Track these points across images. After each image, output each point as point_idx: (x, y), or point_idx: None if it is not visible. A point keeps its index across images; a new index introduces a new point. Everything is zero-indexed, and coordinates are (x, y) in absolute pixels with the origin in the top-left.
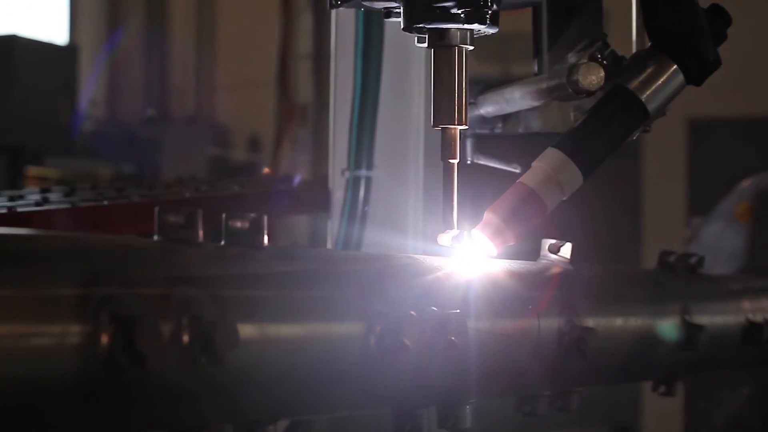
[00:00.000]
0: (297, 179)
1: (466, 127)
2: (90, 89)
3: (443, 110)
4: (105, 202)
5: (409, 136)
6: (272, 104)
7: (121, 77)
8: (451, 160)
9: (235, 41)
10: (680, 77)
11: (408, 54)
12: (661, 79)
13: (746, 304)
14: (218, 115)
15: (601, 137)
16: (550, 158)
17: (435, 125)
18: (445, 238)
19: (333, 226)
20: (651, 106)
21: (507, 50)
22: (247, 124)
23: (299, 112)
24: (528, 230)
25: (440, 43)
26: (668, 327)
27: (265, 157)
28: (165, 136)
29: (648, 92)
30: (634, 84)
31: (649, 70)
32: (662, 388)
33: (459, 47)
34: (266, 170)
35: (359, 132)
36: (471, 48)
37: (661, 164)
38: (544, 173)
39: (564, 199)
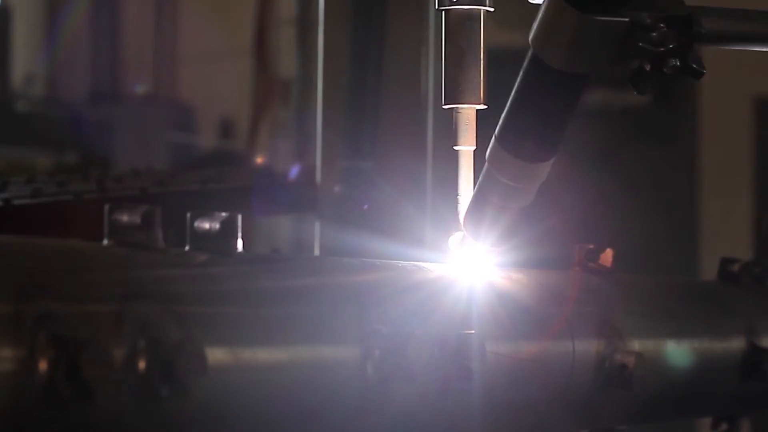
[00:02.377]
0: (294, 171)
1: (485, 106)
2: (30, 61)
3: (457, 87)
4: (44, 199)
5: (415, 119)
6: (247, 80)
7: (64, 47)
8: (465, 147)
9: (202, 3)
10: (572, 11)
11: (415, 18)
12: (553, 20)
13: None
14: (181, 93)
15: (526, 114)
16: (489, 148)
17: (446, 104)
18: (458, 242)
19: (322, 228)
20: (556, 62)
21: (534, 14)
22: (217, 104)
23: (280, 90)
24: (506, 236)
25: (453, 4)
26: (731, 351)
27: (240, 143)
28: (117, 118)
29: (547, 44)
30: (532, 36)
31: (542, 13)
32: (724, 426)
33: (476, 10)
34: (259, 160)
35: (355, 114)
36: (490, 10)
37: (723, 153)
38: (486, 169)
39: (530, 191)
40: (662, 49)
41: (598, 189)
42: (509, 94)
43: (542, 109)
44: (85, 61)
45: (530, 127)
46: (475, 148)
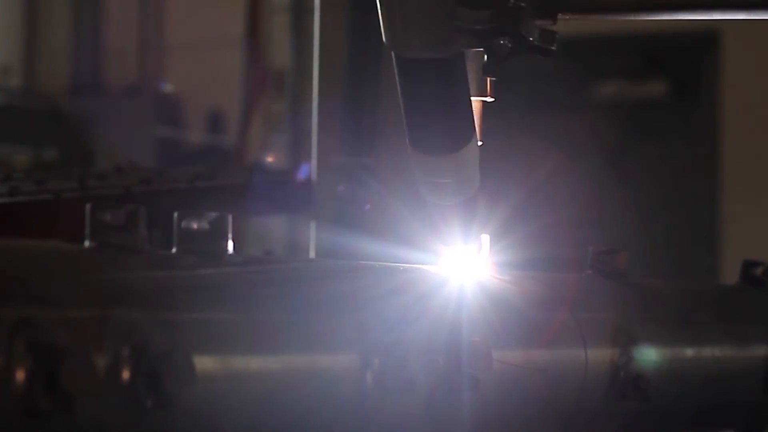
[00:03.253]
0: (305, 171)
1: (492, 99)
2: (6, 51)
3: None
4: (22, 198)
5: None
6: (239, 70)
7: (43, 36)
8: None
9: None
10: None
11: None
12: (388, 11)
13: None
14: (168, 85)
15: (416, 110)
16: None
17: None
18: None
19: (317, 228)
20: (410, 52)
21: None
22: (206, 95)
23: (273, 81)
24: (468, 228)
25: None
26: (754, 359)
27: (230, 138)
28: (99, 111)
29: (394, 37)
30: (383, 34)
31: (380, 8)
32: None
33: None
34: (271, 159)
35: (353, 107)
36: None
37: (746, 144)
38: (416, 174)
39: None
40: (485, 27)
41: (612, 187)
42: (518, 86)
43: (425, 101)
44: (66, 51)
45: (425, 122)
46: (481, 143)
